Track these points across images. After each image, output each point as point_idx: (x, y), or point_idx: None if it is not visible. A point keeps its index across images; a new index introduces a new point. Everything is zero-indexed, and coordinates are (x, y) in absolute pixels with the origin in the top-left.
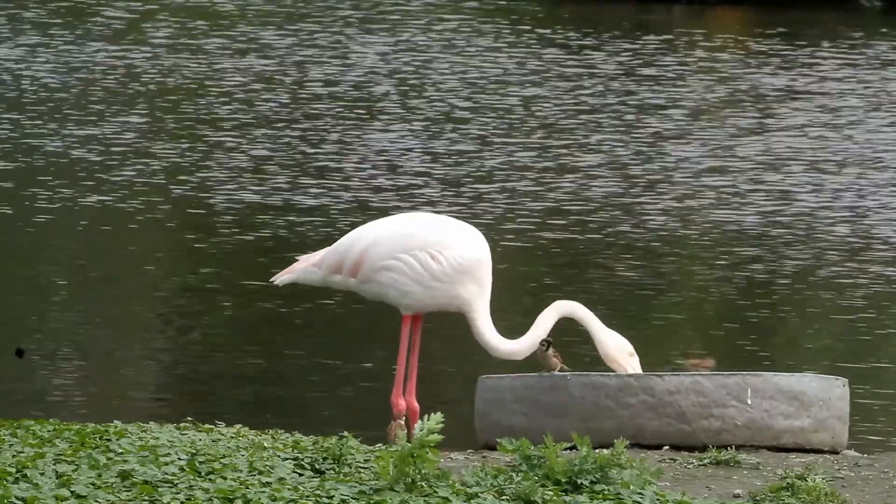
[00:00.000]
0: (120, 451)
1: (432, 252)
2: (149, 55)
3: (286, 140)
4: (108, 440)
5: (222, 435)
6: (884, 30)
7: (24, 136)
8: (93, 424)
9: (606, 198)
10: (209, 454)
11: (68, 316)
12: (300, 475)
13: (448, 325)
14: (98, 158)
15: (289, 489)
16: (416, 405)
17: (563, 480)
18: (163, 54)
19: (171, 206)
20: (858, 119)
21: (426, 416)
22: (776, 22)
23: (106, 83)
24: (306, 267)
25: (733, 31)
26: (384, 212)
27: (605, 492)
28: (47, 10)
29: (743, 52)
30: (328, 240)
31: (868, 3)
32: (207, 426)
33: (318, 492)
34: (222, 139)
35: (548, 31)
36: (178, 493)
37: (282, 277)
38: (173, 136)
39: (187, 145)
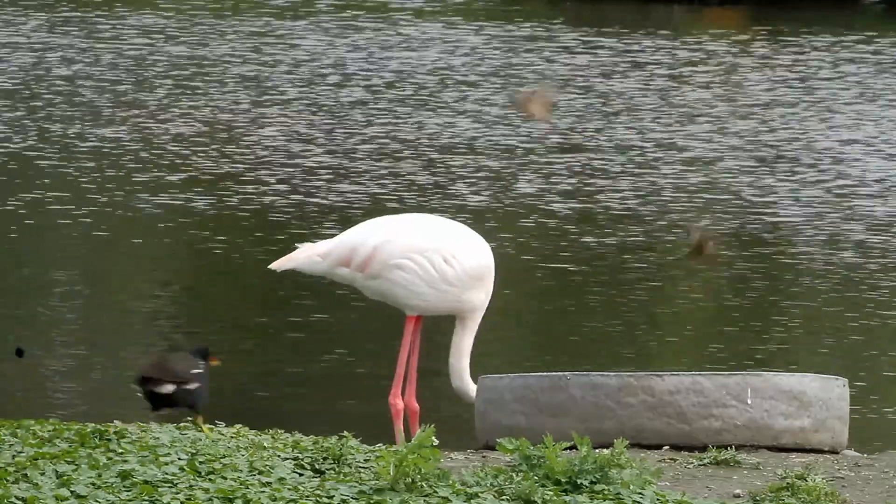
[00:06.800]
0: (120, 451)
1: (446, 255)
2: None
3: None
4: (108, 440)
5: (222, 435)
6: (875, 32)
7: (28, 127)
8: (93, 424)
9: (604, 197)
10: (209, 454)
11: (68, 316)
12: (300, 475)
13: (448, 324)
14: (95, 156)
15: (289, 489)
16: (416, 405)
17: (563, 480)
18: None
19: (169, 206)
20: (859, 118)
21: (422, 425)
22: (776, 21)
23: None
24: (310, 256)
25: (732, 30)
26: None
27: (605, 492)
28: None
29: (742, 51)
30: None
31: (868, 2)
32: (207, 426)
33: (318, 492)
34: (239, 135)
35: (548, 30)
36: (178, 493)
37: (281, 264)
38: (185, 137)
39: (193, 146)
